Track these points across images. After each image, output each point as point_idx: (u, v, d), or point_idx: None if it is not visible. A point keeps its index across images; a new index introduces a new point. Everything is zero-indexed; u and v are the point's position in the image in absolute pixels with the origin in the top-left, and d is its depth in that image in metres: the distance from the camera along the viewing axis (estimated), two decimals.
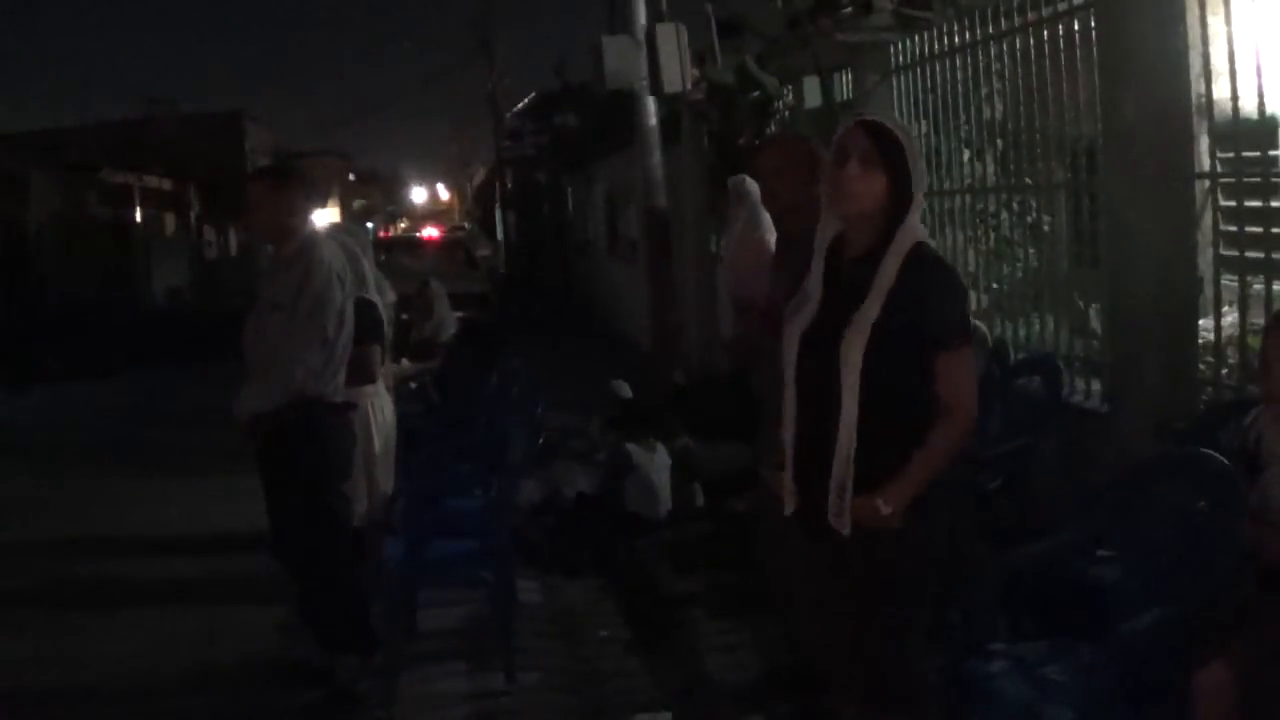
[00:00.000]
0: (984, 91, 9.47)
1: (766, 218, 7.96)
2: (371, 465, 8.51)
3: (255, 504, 7.85)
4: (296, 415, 7.31)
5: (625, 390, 13.33)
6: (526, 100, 40.58)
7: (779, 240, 7.14)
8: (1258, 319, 6.74)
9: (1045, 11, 8.34)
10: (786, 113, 14.28)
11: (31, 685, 8.35)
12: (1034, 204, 9.19)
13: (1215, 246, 7.26)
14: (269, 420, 7.34)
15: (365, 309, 8.32)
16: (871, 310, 4.64)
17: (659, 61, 15.05)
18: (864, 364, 4.61)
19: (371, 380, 8.54)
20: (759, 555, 7.59)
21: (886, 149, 4.77)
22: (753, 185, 8.30)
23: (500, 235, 51.69)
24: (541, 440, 11.72)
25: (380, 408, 8.67)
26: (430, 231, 79.89)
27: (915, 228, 4.80)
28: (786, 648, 7.12)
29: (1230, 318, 7.20)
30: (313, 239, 7.66)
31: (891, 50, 10.99)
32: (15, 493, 14.81)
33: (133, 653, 8.81)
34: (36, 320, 34.09)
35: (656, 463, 10.79)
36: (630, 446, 10.84)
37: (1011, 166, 9.41)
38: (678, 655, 8.01)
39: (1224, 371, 7.26)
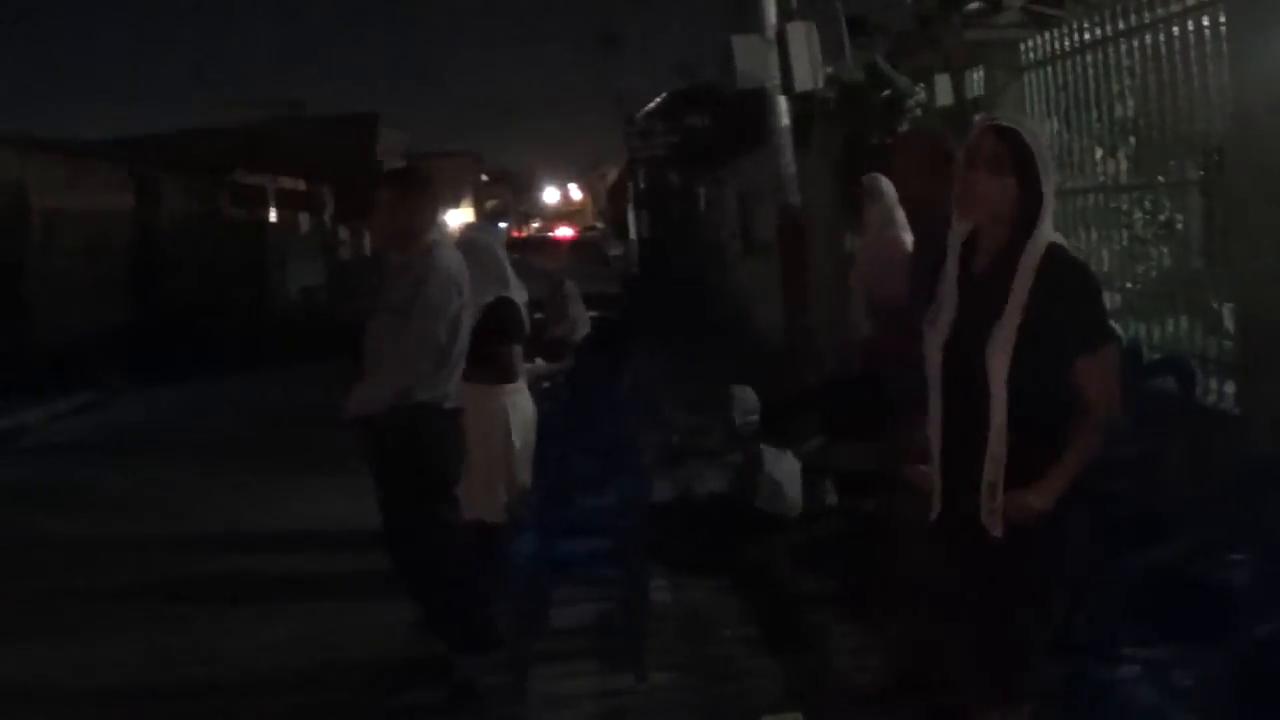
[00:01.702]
0: (1115, 89, 9.37)
1: (901, 216, 7.94)
2: (510, 462, 8.57)
3: (372, 502, 7.95)
4: (404, 419, 7.38)
5: (749, 395, 13.32)
6: (657, 100, 40.58)
7: (915, 239, 7.13)
8: None
9: (1175, 7, 8.24)
10: (918, 111, 14.20)
11: (156, 681, 8.55)
12: (1166, 202, 9.09)
13: None
14: (376, 422, 7.43)
15: (506, 309, 8.39)
16: (1013, 314, 4.64)
17: (790, 60, 15.03)
18: (1010, 368, 4.61)
19: (512, 379, 8.61)
20: (890, 556, 7.57)
21: (1016, 152, 4.75)
22: (886, 184, 8.27)
23: (633, 235, 51.74)
24: (674, 439, 11.80)
25: (519, 405, 8.72)
26: (563, 231, 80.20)
27: (1048, 229, 4.78)
28: (913, 649, 7.10)
29: None
30: (434, 245, 7.71)
31: (1022, 48, 10.91)
32: (146, 490, 15.14)
33: (257, 649, 8.97)
34: (169, 320, 34.51)
35: (787, 463, 10.77)
36: (762, 447, 10.83)
37: (1144, 164, 9.31)
38: (806, 655, 8.00)
39: None
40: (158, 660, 8.90)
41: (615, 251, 56.38)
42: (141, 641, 9.29)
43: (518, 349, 8.73)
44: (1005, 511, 4.64)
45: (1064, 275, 4.71)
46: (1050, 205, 4.81)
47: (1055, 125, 10.19)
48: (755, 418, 12.71)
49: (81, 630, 9.78)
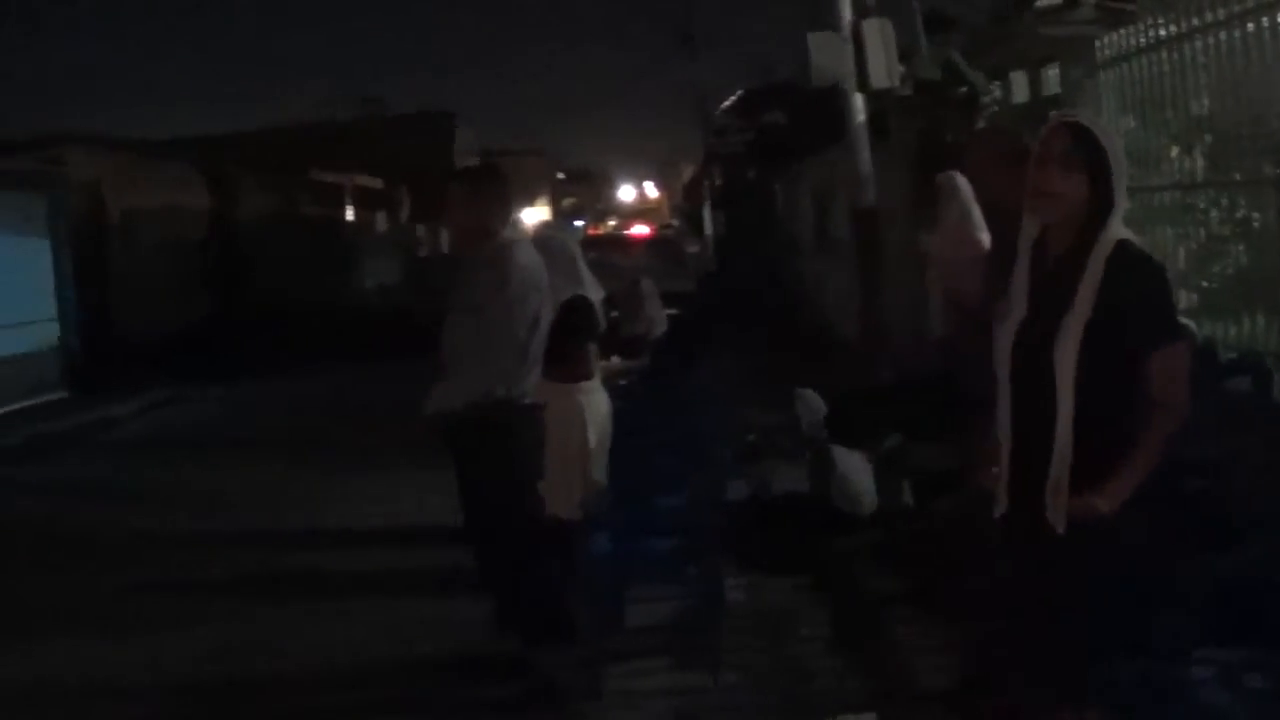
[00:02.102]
0: (1190, 85, 9.33)
1: (977, 214, 7.92)
2: (585, 460, 8.61)
3: (451, 498, 7.99)
4: (484, 416, 7.43)
5: (815, 400, 13.28)
6: (734, 97, 40.52)
7: (990, 237, 7.13)
8: None
9: (1249, 3, 8.20)
10: (994, 108, 14.16)
11: (224, 676, 8.67)
12: (1242, 200, 9.04)
13: None
14: (457, 419, 7.48)
15: (581, 307, 8.43)
16: (1082, 311, 4.65)
17: (866, 57, 15.01)
18: (1078, 365, 4.62)
19: (587, 376, 8.65)
20: (965, 555, 7.55)
21: (1088, 149, 4.76)
22: (963, 181, 8.25)
23: (709, 233, 51.69)
24: (749, 437, 11.81)
25: (595, 403, 8.76)
26: (639, 229, 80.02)
27: (1118, 226, 4.79)
28: (983, 649, 7.09)
29: None
30: (510, 242, 7.76)
31: (1096, 44, 10.87)
32: (222, 486, 15.33)
33: (335, 644, 9.08)
34: (247, 318, 34.78)
35: (861, 462, 10.75)
36: (832, 447, 10.81)
37: (1220, 162, 9.26)
38: (881, 656, 7.99)
39: None
40: (227, 655, 9.04)
41: (691, 249, 56.21)
42: (211, 637, 9.44)
43: (592, 347, 8.78)
44: (1070, 512, 4.64)
45: (1134, 272, 4.72)
46: (1122, 203, 4.81)
47: (1131, 122, 10.15)
48: (824, 417, 12.65)
49: (152, 625, 9.97)
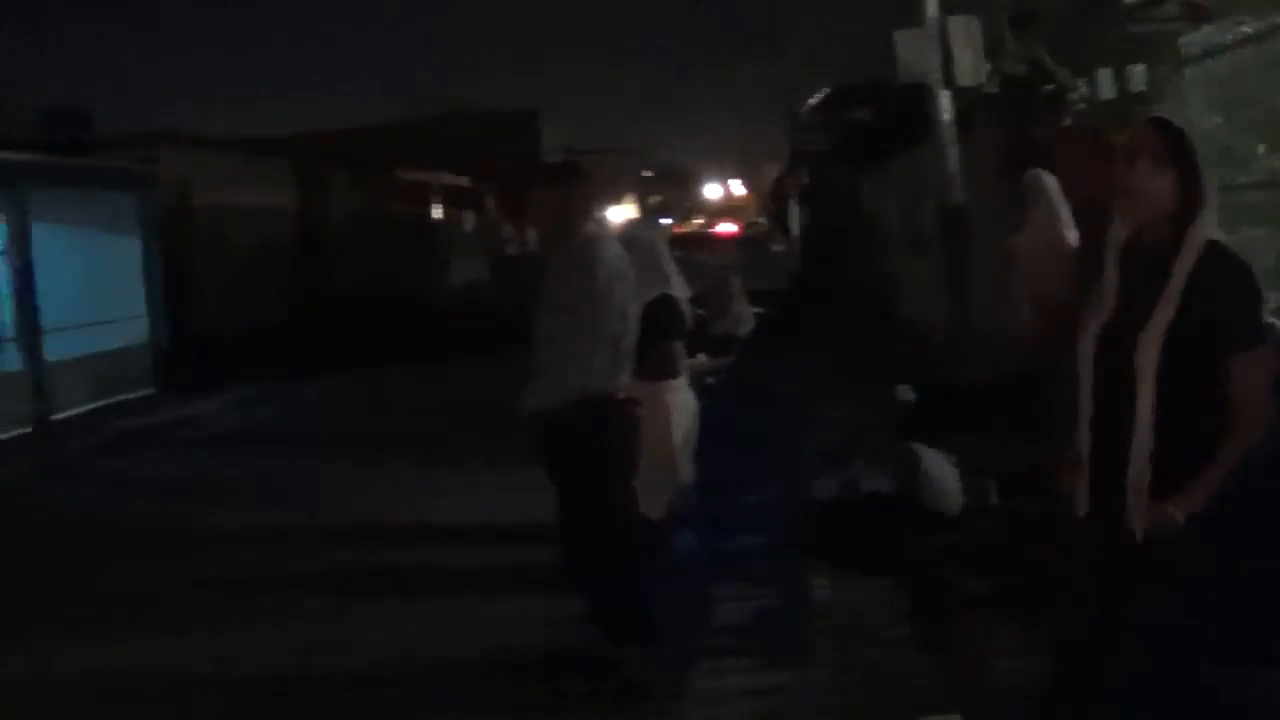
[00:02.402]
0: (1277, 82, 9.26)
1: (1064, 212, 7.89)
2: (671, 459, 8.61)
3: (542, 496, 8.02)
4: (579, 412, 7.46)
5: (915, 391, 13.26)
6: (820, 94, 40.35)
7: (1078, 235, 7.10)
8: None
9: None
10: (1081, 105, 14.07)
11: (298, 671, 8.77)
12: None
13: None
14: (550, 416, 7.51)
15: (667, 305, 8.44)
16: (1165, 311, 4.63)
17: (952, 54, 14.96)
18: (1159, 365, 4.60)
19: (673, 375, 8.66)
20: (1050, 556, 7.52)
21: (1178, 147, 4.75)
22: (1049, 180, 8.22)
23: (795, 231, 51.58)
24: (835, 436, 11.79)
25: (681, 402, 8.76)
26: (725, 227, 79.78)
27: (1208, 226, 4.77)
28: (1065, 651, 7.05)
29: None
30: (595, 238, 7.79)
31: (1181, 41, 10.79)
32: (307, 482, 15.51)
33: (422, 639, 9.14)
34: (334, 316, 35.04)
35: (946, 462, 10.72)
36: (918, 447, 10.77)
37: None
38: (965, 656, 7.97)
39: None
40: (309, 652, 9.15)
41: (778, 247, 56.04)
42: (293, 633, 9.56)
43: (679, 345, 8.78)
44: (1147, 519, 4.62)
45: (1221, 272, 4.69)
46: (1212, 201, 4.79)
47: (1217, 120, 10.08)
48: (910, 417, 12.61)
49: (234, 621, 10.13)
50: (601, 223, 8.07)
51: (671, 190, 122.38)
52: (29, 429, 21.33)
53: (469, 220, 57.44)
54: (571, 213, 7.80)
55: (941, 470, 10.58)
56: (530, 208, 8.13)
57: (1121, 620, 4.91)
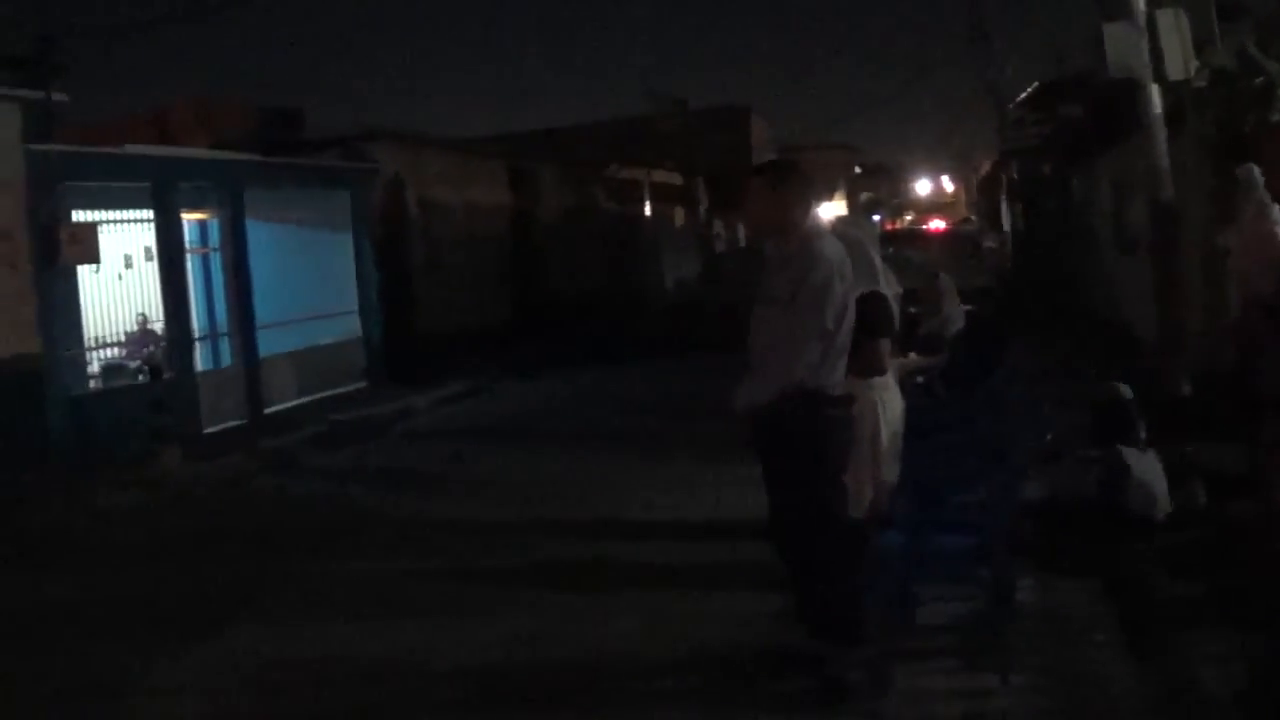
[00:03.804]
0: None
1: (1277, 209, 7.76)
2: (878, 457, 8.57)
3: (751, 492, 8.03)
4: (794, 408, 7.46)
5: (1126, 392, 13.07)
6: (1029, 90, 39.86)
7: None
8: None
9: None
10: None
11: (528, 663, 8.92)
12: None
13: None
14: (767, 411, 7.52)
15: (876, 302, 8.41)
16: None
17: (1160, 47, 14.76)
18: None
19: (881, 373, 8.62)
20: (1261, 559, 7.40)
21: None
22: (1261, 175, 8.09)
23: (1006, 228, 51.06)
24: (1045, 437, 11.66)
25: (888, 400, 8.72)
26: (936, 224, 79.21)
27: None
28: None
29: None
30: (813, 234, 7.80)
31: None
32: (517, 476, 15.75)
33: (625, 632, 9.25)
34: (545, 312, 35.34)
35: (1154, 465, 10.55)
36: (1126, 450, 10.61)
37: None
38: (1172, 662, 7.85)
39: None
40: (520, 643, 9.28)
41: (988, 244, 55.51)
42: (505, 624, 9.72)
43: (886, 343, 8.74)
44: None
45: None
46: None
47: None
48: (1123, 416, 12.40)
49: (447, 610, 10.37)
50: (815, 219, 8.05)
51: (882, 186, 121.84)
52: (243, 421, 21.82)
53: (680, 217, 57.57)
54: (792, 210, 7.81)
55: (1151, 472, 10.43)
56: (747, 204, 8.13)
57: None
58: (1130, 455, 10.56)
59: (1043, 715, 7.31)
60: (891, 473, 8.72)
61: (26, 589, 11.97)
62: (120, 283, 20.96)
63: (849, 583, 7.74)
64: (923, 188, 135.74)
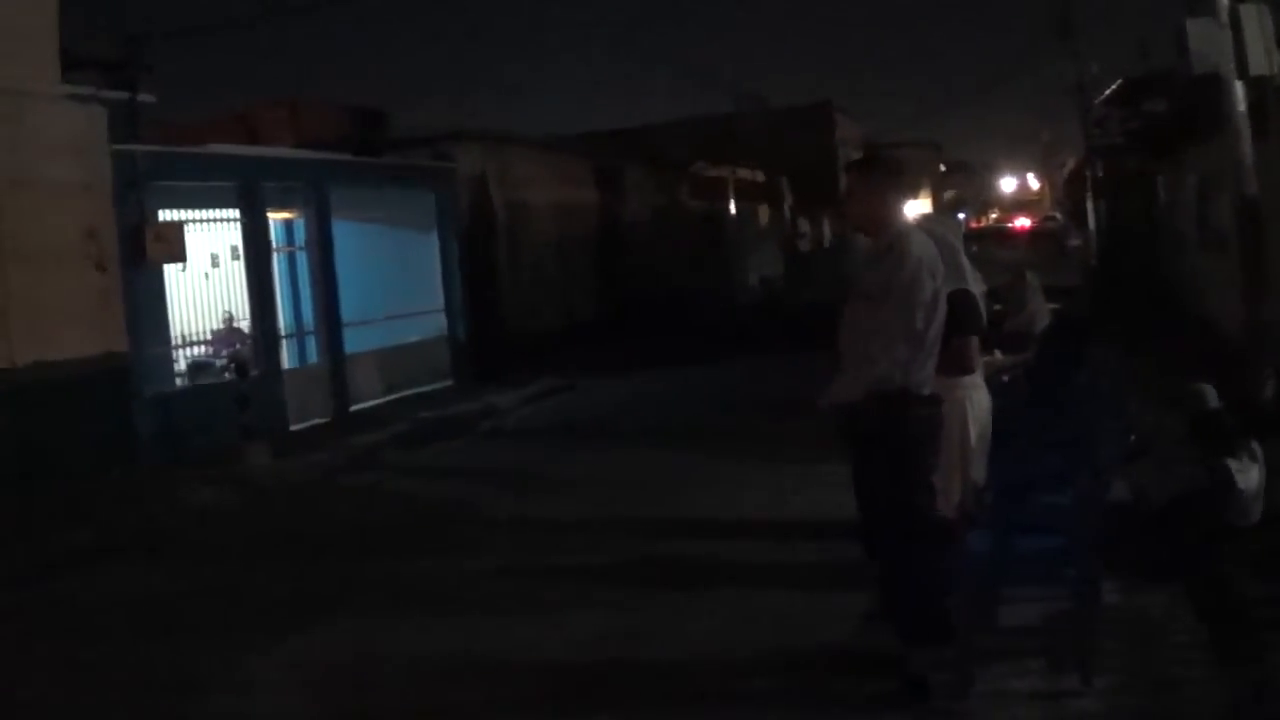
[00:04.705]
0: None
1: None
2: (966, 456, 8.56)
3: (838, 492, 8.03)
4: (884, 406, 7.46)
5: (1211, 397, 12.93)
6: (1113, 86, 39.58)
7: None
8: None
9: None
10: None
11: (610, 662, 8.97)
12: None
13: None
14: (856, 410, 7.51)
15: (964, 300, 8.39)
16: None
17: (1244, 43, 14.66)
18: None
19: (969, 371, 8.61)
20: None
21: None
22: None
23: (1091, 225, 50.77)
24: (1132, 437, 11.58)
25: (976, 399, 8.70)
26: (1021, 222, 78.84)
27: None
28: None
29: None
30: (905, 231, 7.83)
31: None
32: (601, 475, 15.82)
33: (710, 631, 9.30)
34: (633, 310, 35.39)
35: (1258, 476, 10.42)
36: (1229, 462, 10.46)
37: None
38: (1257, 668, 7.78)
39: None
40: (603, 643, 9.35)
41: (1074, 242, 55.20)
42: (589, 623, 9.81)
43: (974, 341, 8.71)
44: None
45: None
46: None
47: None
48: (1213, 417, 12.26)
49: (532, 609, 10.48)
50: (904, 217, 8.05)
51: (967, 184, 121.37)
52: (329, 419, 21.98)
53: (764, 215, 57.53)
54: (883, 206, 7.83)
55: (1255, 485, 10.30)
56: (842, 201, 8.15)
57: None
58: (1237, 469, 10.41)
59: (1125, 718, 7.29)
60: (979, 472, 8.72)
61: (119, 586, 12.14)
62: (207, 281, 21.26)
63: (934, 582, 7.73)
64: (1008, 185, 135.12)
